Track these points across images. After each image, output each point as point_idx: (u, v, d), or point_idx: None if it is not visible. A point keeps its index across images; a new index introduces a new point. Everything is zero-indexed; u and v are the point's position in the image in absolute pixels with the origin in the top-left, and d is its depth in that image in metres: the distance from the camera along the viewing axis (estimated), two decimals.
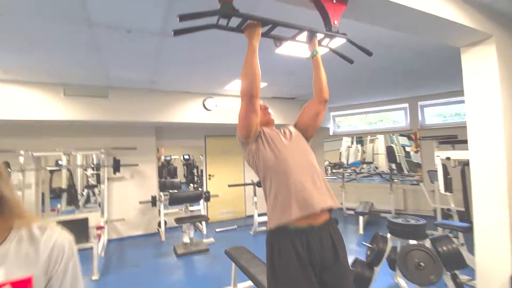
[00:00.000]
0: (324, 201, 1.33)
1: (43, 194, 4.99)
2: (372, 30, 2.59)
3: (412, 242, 2.55)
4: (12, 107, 3.75)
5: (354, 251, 4.04)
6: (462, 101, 2.39)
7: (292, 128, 1.59)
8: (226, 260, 3.01)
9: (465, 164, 3.12)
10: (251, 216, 5.39)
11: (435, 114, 6.02)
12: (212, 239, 4.72)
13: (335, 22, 1.54)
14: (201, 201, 5.26)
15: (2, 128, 4.34)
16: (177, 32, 1.31)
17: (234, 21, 1.35)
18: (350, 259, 2.71)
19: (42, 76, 3.67)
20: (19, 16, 2.15)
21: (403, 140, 10.08)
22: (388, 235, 2.77)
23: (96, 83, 4.13)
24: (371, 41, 2.88)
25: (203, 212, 5.32)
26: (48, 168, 5.22)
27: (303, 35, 1.63)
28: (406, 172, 9.38)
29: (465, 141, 2.34)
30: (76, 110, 4.11)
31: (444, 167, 3.25)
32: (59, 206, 5.77)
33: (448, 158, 3.09)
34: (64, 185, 6.53)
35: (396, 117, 6.69)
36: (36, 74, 3.61)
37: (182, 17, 1.19)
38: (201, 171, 6.49)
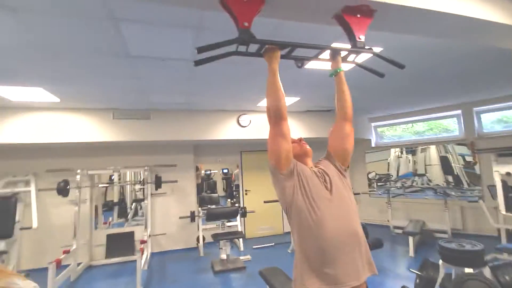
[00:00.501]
0: (357, 277, 1.18)
1: (96, 207, 5.47)
2: (410, 37, 2.42)
3: (468, 270, 2.22)
4: (68, 131, 4.23)
5: (402, 277, 3.65)
6: None
7: (327, 166, 1.41)
8: (261, 280, 2.94)
9: None
10: (289, 233, 5.24)
11: (495, 120, 5.33)
12: (248, 256, 4.68)
13: (360, 37, 1.46)
14: (238, 217, 5.27)
15: (61, 150, 4.91)
16: (198, 63, 1.35)
17: (253, 46, 1.36)
18: (398, 286, 2.47)
19: (94, 102, 4.10)
20: (69, 52, 2.44)
21: (462, 149, 9.04)
22: (440, 262, 2.46)
23: (140, 107, 4.48)
24: (411, 44, 2.67)
25: (239, 228, 5.31)
26: (101, 185, 5.71)
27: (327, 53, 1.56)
28: (466, 185, 8.34)
29: None
30: (124, 131, 4.49)
31: (505, 183, 2.81)
32: (110, 219, 6.29)
33: (508, 174, 2.67)
34: (116, 199, 7.15)
35: (448, 125, 6.07)
36: (88, 101, 4.04)
37: (201, 49, 1.23)
38: (237, 185, 6.55)
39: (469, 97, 5.00)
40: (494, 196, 3.98)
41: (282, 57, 1.43)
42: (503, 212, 2.87)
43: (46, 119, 4.15)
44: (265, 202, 5.05)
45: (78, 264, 4.39)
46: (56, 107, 4.10)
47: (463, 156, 9.09)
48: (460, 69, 3.41)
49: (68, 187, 4.51)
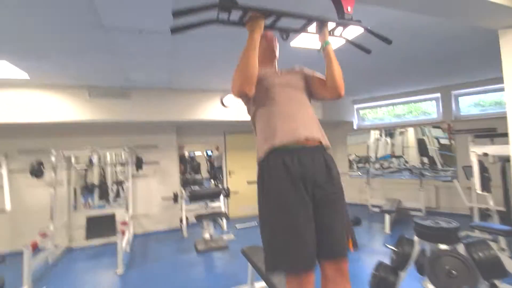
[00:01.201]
0: (310, 131, 1.29)
1: (75, 190, 5.29)
2: (397, 15, 2.38)
3: (443, 246, 2.33)
4: (41, 110, 3.98)
5: (379, 252, 3.83)
6: (502, 89, 2.11)
7: (298, 72, 1.50)
8: (244, 258, 2.98)
9: (505, 160, 2.80)
10: None
11: (472, 104, 5.51)
12: (232, 236, 4.73)
13: (349, 9, 1.40)
14: (221, 198, 5.28)
15: (35, 130, 4.62)
16: (175, 30, 1.25)
17: (236, 15, 1.27)
18: (374, 261, 2.57)
19: (68, 79, 3.84)
20: (37, 25, 2.22)
21: (437, 132, 9.41)
22: (415, 238, 2.56)
23: (118, 85, 4.25)
24: (396, 26, 2.65)
25: (223, 209, 5.34)
26: (79, 167, 5.49)
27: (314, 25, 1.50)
28: (440, 166, 8.76)
29: (506, 135, 2.08)
30: (101, 111, 4.27)
31: (481, 164, 2.93)
32: (90, 201, 6.12)
33: (485, 154, 2.78)
34: (96, 181, 6.94)
35: (427, 108, 6.23)
36: (61, 78, 3.77)
37: (176, 13, 1.13)
38: (219, 168, 6.52)
39: (448, 80, 5.12)
40: (468, 176, 4.17)
41: (266, 27, 1.35)
42: (479, 191, 3.01)
43: (16, 97, 3.86)
44: (248, 182, 5.06)
45: (57, 247, 4.28)
46: (26, 84, 3.82)
47: (438, 138, 9.50)
48: (442, 51, 3.44)
49: (42, 168, 4.30)
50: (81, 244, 4.74)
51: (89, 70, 3.49)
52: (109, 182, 7.05)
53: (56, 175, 4.47)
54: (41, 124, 4.26)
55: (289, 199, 1.18)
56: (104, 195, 6.63)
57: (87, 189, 6.39)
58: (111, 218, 5.08)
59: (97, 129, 5.06)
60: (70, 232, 4.83)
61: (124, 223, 4.09)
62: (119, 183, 6.88)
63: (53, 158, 4.41)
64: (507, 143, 2.07)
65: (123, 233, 3.80)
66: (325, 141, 1.33)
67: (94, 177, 6.86)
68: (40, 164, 4.25)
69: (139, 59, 3.20)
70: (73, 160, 5.25)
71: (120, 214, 5.10)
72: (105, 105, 4.29)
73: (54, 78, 3.73)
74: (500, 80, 2.11)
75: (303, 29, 1.48)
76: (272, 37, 1.52)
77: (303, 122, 1.29)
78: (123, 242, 3.77)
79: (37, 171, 4.20)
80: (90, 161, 6.57)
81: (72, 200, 5.11)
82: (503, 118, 2.11)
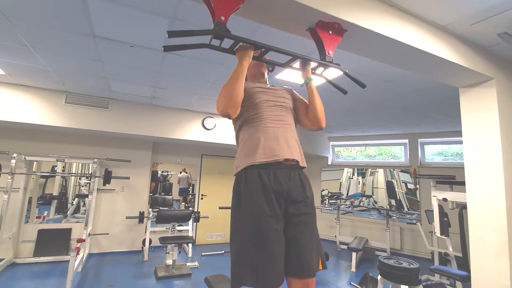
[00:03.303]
0: (290, 153, 1.31)
1: (30, 199, 4.88)
2: (374, 64, 2.62)
3: (404, 287, 2.39)
4: (11, 109, 3.77)
5: None
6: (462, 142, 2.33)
7: (287, 92, 1.54)
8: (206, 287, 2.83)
9: (463, 207, 3.00)
10: None
11: (436, 153, 5.95)
12: (196, 263, 4.50)
13: (330, 52, 1.53)
14: (190, 222, 5.09)
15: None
16: (168, 49, 1.29)
17: (228, 42, 1.34)
18: None
19: (45, 81, 3.71)
20: (24, 21, 2.19)
21: (405, 177, 9.94)
22: (379, 277, 2.61)
23: (98, 94, 4.17)
24: (374, 73, 2.89)
25: (190, 233, 5.12)
26: (39, 174, 5.12)
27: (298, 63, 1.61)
28: (406, 209, 9.14)
29: (463, 183, 2.25)
30: (76, 118, 4.11)
31: (441, 208, 3.12)
32: (45, 213, 5.63)
33: (445, 199, 2.97)
34: (56, 192, 6.43)
35: (396, 152, 6.63)
36: (39, 79, 3.64)
37: (172, 34, 1.18)
38: (183, 189, 6.35)
39: (416, 128, 5.54)
40: (430, 220, 4.39)
41: (254, 58, 1.44)
42: (438, 234, 3.16)
43: None
44: (220, 208, 4.95)
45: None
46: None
47: (405, 183, 10.02)
48: (411, 101, 3.77)
49: None
50: (28, 260, 4.28)
51: (71, 74, 3.41)
52: (70, 194, 6.59)
53: (13, 181, 4.13)
54: (6, 123, 4.01)
55: (262, 211, 1.19)
56: (62, 208, 6.14)
57: (44, 200, 5.91)
58: (67, 233, 4.70)
59: (67, 137, 4.84)
60: (16, 245, 4.37)
61: (81, 240, 3.78)
62: (81, 197, 6.44)
63: (12, 162, 4.10)
64: (464, 191, 2.24)
65: (77, 251, 3.51)
66: (303, 163, 1.36)
67: (54, 188, 6.38)
68: None
69: (125, 71, 3.20)
70: (34, 166, 4.90)
71: (78, 230, 4.74)
72: (81, 113, 4.15)
73: (31, 78, 3.59)
74: (461, 133, 2.33)
75: (288, 64, 1.59)
76: (263, 72, 1.61)
77: (286, 144, 1.32)
78: (76, 261, 3.47)
79: None
80: (53, 170, 6.15)
81: (26, 210, 4.68)
82: (461, 168, 2.30)
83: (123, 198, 5.19)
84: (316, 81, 2.73)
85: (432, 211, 3.59)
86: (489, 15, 1.72)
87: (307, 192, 1.32)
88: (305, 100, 1.55)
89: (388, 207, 8.30)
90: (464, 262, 3.44)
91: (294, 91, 1.61)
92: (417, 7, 1.72)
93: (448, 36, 1.91)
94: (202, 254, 5.14)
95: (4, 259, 4.06)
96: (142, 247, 4.96)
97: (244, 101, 1.35)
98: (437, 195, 3.11)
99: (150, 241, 4.89)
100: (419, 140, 5.90)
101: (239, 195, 1.27)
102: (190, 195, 8.52)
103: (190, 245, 5.06)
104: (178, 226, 4.85)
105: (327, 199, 9.99)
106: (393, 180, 10.29)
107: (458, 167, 5.00)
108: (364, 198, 10.50)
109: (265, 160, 1.26)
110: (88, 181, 6.37)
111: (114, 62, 2.95)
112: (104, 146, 5.08)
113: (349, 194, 10.75)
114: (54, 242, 4.55)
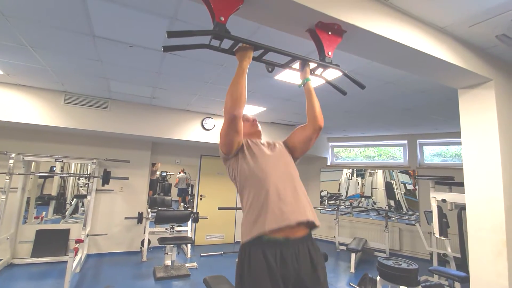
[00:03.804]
0: (302, 214, 1.26)
1: (28, 199, 4.86)
2: (374, 65, 2.62)
3: (403, 287, 2.39)
4: (9, 108, 3.75)
5: None
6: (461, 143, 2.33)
7: (279, 144, 1.55)
8: None
9: (462, 208, 3.01)
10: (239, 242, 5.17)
11: (435, 154, 5.96)
12: (195, 264, 4.50)
13: (329, 53, 1.53)
14: (189, 222, 5.08)
15: None
16: (167, 49, 1.29)
17: (227, 43, 1.35)
18: None
19: (44, 81, 3.70)
20: (22, 21, 2.19)
21: (404, 178, 9.96)
22: (378, 278, 2.61)
23: (97, 94, 4.16)
24: (374, 75, 2.90)
25: (189, 234, 5.11)
26: (38, 174, 5.10)
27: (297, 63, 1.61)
28: (405, 210, 9.16)
29: (462, 184, 2.26)
30: (75, 118, 4.10)
31: (440, 209, 3.13)
32: (43, 214, 5.61)
33: (443, 200, 2.98)
34: (54, 192, 6.41)
35: (395, 153, 6.64)
36: (37, 79, 3.63)
37: (171, 34, 1.18)
38: (182, 189, 6.32)
39: (415, 129, 5.55)
40: (429, 221, 4.40)
41: (254, 59, 1.44)
42: (437, 235, 3.17)
43: None
44: (219, 208, 4.95)
45: None
46: None
47: (404, 184, 10.05)
48: (411, 103, 3.78)
49: None
50: (25, 261, 4.26)
51: (70, 74, 3.41)
52: (68, 194, 6.56)
53: (11, 181, 4.12)
54: (5, 123, 4.00)
55: None
56: (60, 209, 6.12)
57: (42, 200, 5.89)
58: (65, 234, 4.69)
59: (66, 137, 4.83)
60: (14, 245, 4.35)
61: (79, 241, 3.77)
62: (80, 197, 6.42)
63: (10, 162, 4.09)
64: (463, 192, 2.25)
65: (76, 251, 3.49)
66: (315, 218, 1.30)
67: (52, 188, 6.36)
68: None
69: (125, 71, 3.20)
70: (33, 167, 4.89)
71: (76, 230, 4.72)
72: (80, 113, 4.14)
73: (30, 78, 3.58)
74: (459, 134, 2.33)
75: (287, 65, 1.59)
76: (255, 119, 1.66)
77: (296, 204, 1.27)
78: (74, 262, 3.45)
79: None
80: (51, 170, 6.14)
81: (24, 210, 4.67)
82: (460, 169, 2.31)
83: (122, 198, 5.18)
84: (316, 82, 2.74)
85: (431, 212, 3.60)
86: (487, 17, 1.73)
87: (319, 272, 1.23)
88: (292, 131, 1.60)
89: (387, 208, 8.32)
90: (462, 263, 3.44)
91: (281, 141, 1.59)
92: (416, 9, 1.72)
93: (447, 37, 1.92)
94: (201, 254, 5.13)
95: (1, 259, 4.04)
96: (141, 248, 4.95)
97: (246, 150, 1.40)
98: (436, 196, 3.11)
99: (149, 241, 4.88)
100: (418, 141, 5.91)
101: (243, 277, 1.19)
102: (189, 196, 8.51)
103: (189, 245, 5.05)
104: (177, 226, 4.84)
105: (326, 200, 10.02)
106: (392, 181, 10.33)
107: (457, 168, 5.01)
108: (363, 199, 10.53)
109: (276, 227, 1.18)
110: (87, 182, 6.35)
111: (114, 62, 2.94)
112: (103, 146, 5.07)
113: (348, 195, 10.78)
114: (52, 242, 4.53)
